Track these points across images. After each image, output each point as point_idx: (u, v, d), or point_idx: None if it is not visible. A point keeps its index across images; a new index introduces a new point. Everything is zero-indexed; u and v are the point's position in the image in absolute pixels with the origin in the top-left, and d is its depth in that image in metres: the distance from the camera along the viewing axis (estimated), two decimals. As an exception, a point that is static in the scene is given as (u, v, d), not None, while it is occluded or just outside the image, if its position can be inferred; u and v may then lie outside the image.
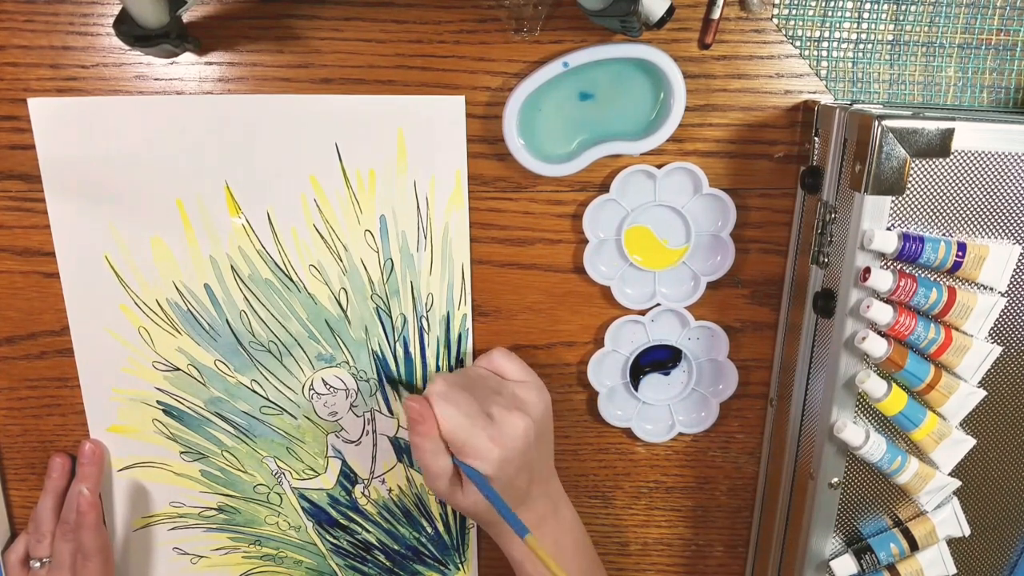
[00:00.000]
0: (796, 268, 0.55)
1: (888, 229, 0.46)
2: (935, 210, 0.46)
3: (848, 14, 0.51)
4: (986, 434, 0.51)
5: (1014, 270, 0.47)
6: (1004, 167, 0.46)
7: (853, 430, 0.49)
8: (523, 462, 0.51)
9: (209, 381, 0.58)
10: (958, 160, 0.45)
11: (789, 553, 0.57)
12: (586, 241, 0.55)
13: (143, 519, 0.62)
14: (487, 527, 0.54)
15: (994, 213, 0.47)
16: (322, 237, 0.55)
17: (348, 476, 0.62)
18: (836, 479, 0.52)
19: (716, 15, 0.51)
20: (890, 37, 0.52)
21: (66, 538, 0.57)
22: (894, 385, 0.49)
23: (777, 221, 0.56)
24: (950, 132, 0.44)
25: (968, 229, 0.47)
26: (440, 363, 0.59)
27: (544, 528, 0.54)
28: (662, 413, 0.60)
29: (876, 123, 0.44)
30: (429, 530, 0.64)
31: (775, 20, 0.52)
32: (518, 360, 0.56)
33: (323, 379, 0.59)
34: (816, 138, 0.51)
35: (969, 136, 0.45)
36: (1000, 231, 0.47)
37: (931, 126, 0.44)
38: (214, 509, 0.62)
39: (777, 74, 0.53)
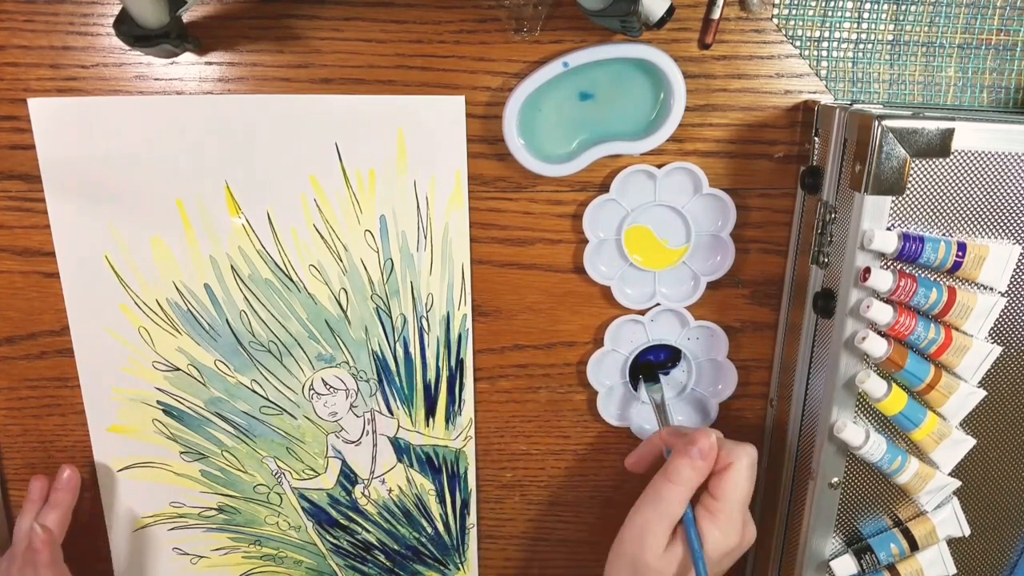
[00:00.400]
0: (796, 268, 0.55)
1: (888, 229, 0.46)
2: (935, 210, 0.46)
3: (848, 14, 0.51)
4: (986, 434, 0.51)
5: (1014, 270, 0.47)
6: (1004, 167, 0.46)
7: (853, 430, 0.49)
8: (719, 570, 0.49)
9: (209, 381, 0.58)
10: (958, 160, 0.45)
11: (789, 553, 0.57)
12: (586, 241, 0.55)
13: (143, 519, 0.62)
14: None
15: (994, 213, 0.47)
16: (322, 237, 0.55)
17: (348, 476, 0.62)
18: (836, 479, 0.52)
19: (716, 15, 0.51)
20: (890, 37, 0.52)
21: (24, 573, 0.55)
22: (894, 385, 0.49)
23: (777, 221, 0.56)
24: (950, 132, 0.44)
25: (968, 229, 0.47)
26: (440, 363, 0.59)
27: None
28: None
29: (876, 123, 0.44)
30: (429, 530, 0.64)
31: (775, 20, 0.52)
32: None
33: (323, 379, 0.59)
34: (816, 138, 0.51)
35: (969, 136, 0.45)
36: (1000, 231, 0.47)
37: (931, 126, 0.44)
38: (214, 509, 0.62)
39: (777, 74, 0.53)
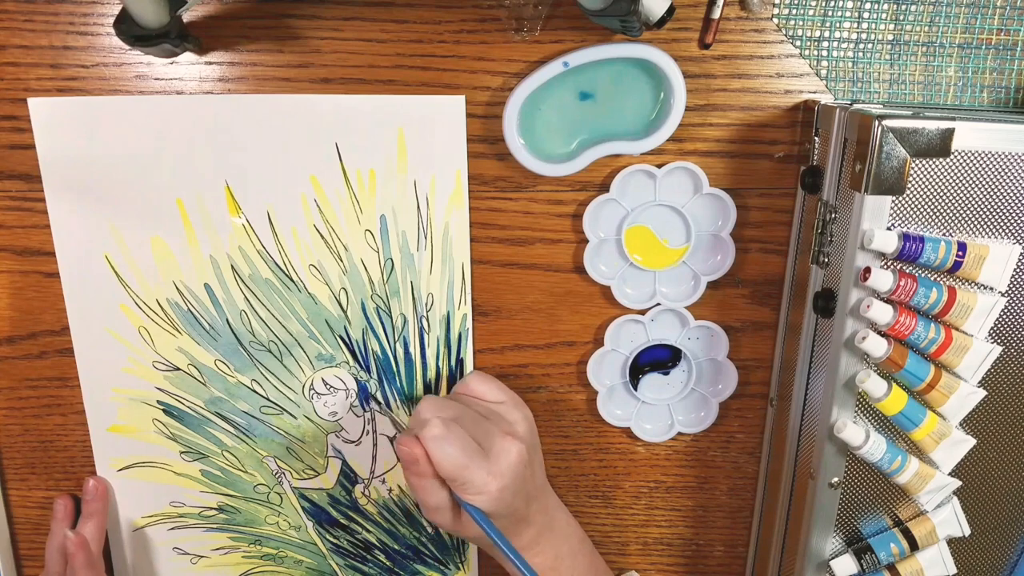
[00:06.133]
0: (796, 268, 0.55)
1: (888, 229, 0.46)
2: (935, 210, 0.46)
3: (848, 14, 0.51)
4: (986, 434, 0.51)
5: (1014, 270, 0.47)
6: (1004, 167, 0.46)
7: (853, 430, 0.49)
8: (520, 486, 0.50)
9: (209, 381, 0.58)
10: (958, 160, 0.45)
11: (789, 553, 0.57)
12: (586, 241, 0.55)
13: (143, 519, 0.62)
14: (490, 551, 0.54)
15: (994, 213, 0.47)
16: (322, 237, 0.55)
17: (348, 476, 0.62)
18: (836, 479, 0.52)
19: (716, 15, 0.51)
20: (890, 37, 0.52)
21: None
22: (894, 385, 0.49)
23: (777, 221, 0.56)
24: (950, 132, 0.44)
25: (968, 229, 0.47)
26: (440, 363, 0.59)
27: (543, 542, 0.54)
28: (661, 413, 0.60)
29: (876, 123, 0.44)
30: (429, 530, 0.64)
31: (775, 20, 0.52)
32: (493, 380, 0.56)
33: (323, 379, 0.59)
34: (816, 138, 0.51)
35: (969, 136, 0.45)
36: (1000, 231, 0.47)
37: (931, 126, 0.44)
38: (214, 509, 0.62)
39: (777, 74, 0.53)
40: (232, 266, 0.56)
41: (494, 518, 0.50)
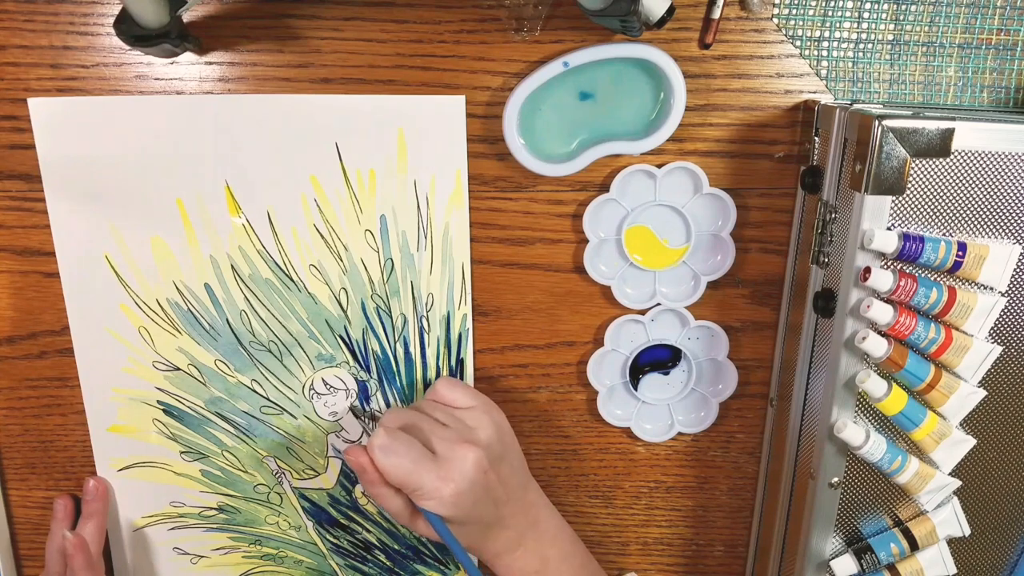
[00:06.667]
0: (796, 268, 0.55)
1: (888, 229, 0.46)
2: (935, 210, 0.46)
3: (848, 14, 0.51)
4: (986, 434, 0.51)
5: (1014, 270, 0.47)
6: (1004, 167, 0.46)
7: (853, 430, 0.49)
8: (482, 491, 0.50)
9: (209, 381, 0.58)
10: (958, 160, 0.45)
11: (789, 553, 0.57)
12: (586, 241, 0.55)
13: (143, 519, 0.62)
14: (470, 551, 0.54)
15: (994, 213, 0.47)
16: (322, 237, 0.55)
17: (348, 476, 0.62)
18: (836, 479, 0.52)
19: (716, 15, 0.51)
20: (890, 37, 0.52)
21: None
22: (894, 385, 0.49)
23: (777, 221, 0.56)
24: (950, 132, 0.44)
25: (968, 229, 0.47)
26: (440, 363, 0.59)
27: (526, 544, 0.54)
28: (662, 413, 0.60)
29: (876, 123, 0.44)
30: (429, 530, 0.64)
31: (775, 20, 0.52)
32: (462, 386, 0.55)
33: (323, 379, 0.59)
34: (816, 138, 0.51)
35: (969, 136, 0.45)
36: (1000, 231, 0.47)
37: (931, 126, 0.44)
38: (214, 509, 0.62)
39: (777, 74, 0.53)
40: (232, 266, 0.56)
41: (456, 524, 0.50)
